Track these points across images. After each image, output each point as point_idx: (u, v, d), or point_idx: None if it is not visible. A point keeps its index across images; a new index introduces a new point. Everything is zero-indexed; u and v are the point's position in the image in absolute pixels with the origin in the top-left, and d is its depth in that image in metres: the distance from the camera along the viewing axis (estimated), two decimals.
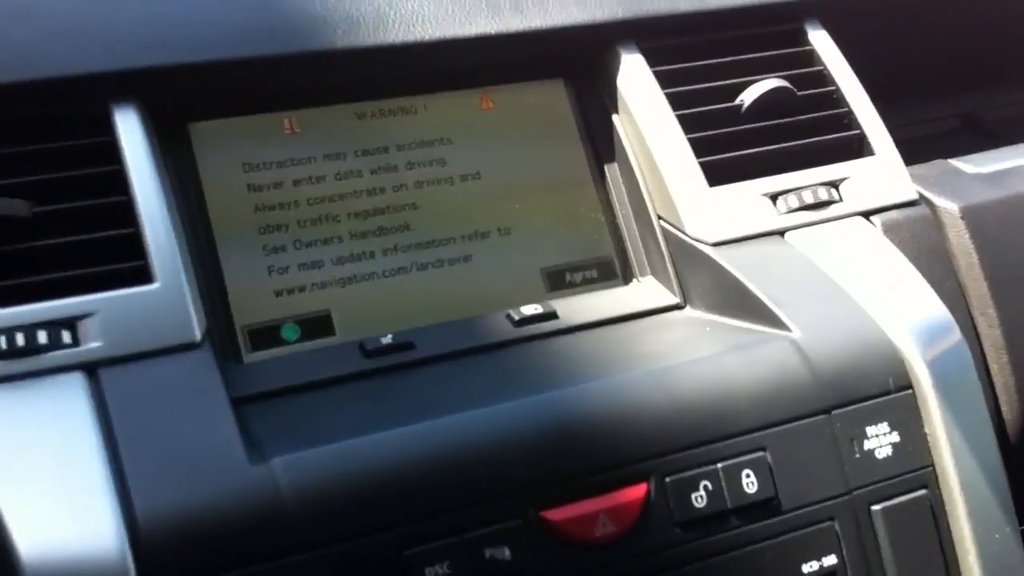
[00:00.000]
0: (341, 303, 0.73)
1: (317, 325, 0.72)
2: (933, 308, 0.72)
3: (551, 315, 0.74)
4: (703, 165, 0.78)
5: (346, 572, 0.55)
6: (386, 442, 0.58)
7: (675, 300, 0.77)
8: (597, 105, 0.83)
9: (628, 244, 0.80)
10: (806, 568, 0.62)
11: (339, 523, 0.56)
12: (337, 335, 0.72)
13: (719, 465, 0.62)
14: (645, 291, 0.78)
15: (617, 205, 0.81)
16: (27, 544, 0.53)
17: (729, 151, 0.80)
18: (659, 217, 0.79)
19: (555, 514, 0.58)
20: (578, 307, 0.76)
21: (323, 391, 0.68)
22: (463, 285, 0.76)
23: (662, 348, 0.70)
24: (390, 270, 0.75)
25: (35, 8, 0.69)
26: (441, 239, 0.77)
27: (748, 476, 0.62)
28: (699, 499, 0.61)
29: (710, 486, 0.61)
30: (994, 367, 0.76)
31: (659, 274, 0.79)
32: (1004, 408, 0.76)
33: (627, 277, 0.80)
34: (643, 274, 0.80)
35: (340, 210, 0.75)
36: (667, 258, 0.78)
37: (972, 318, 0.77)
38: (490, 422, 0.60)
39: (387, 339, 0.71)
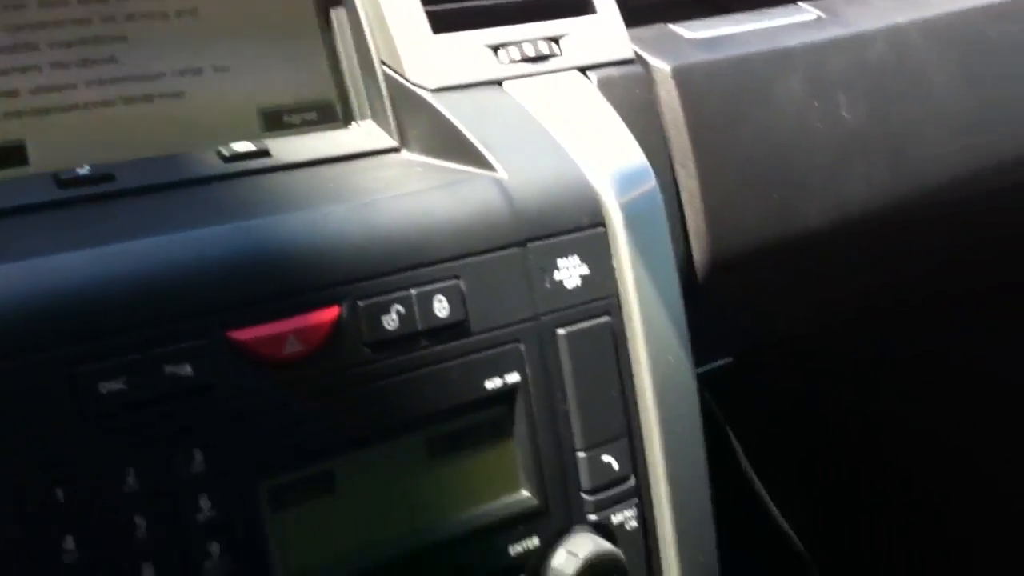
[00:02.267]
0: (37, 134, 0.70)
1: (9, 155, 0.68)
2: (633, 157, 0.76)
3: (263, 152, 0.73)
4: (428, 13, 0.79)
5: (15, 387, 0.54)
6: (68, 261, 0.57)
7: (392, 143, 0.78)
8: None
9: (350, 87, 0.80)
10: (489, 384, 0.65)
11: (11, 339, 0.54)
12: (32, 166, 0.69)
13: (413, 291, 0.64)
14: (363, 134, 0.79)
15: (342, 49, 0.81)
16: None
17: (455, 1, 0.80)
18: (382, 62, 0.79)
19: (241, 334, 0.59)
20: (294, 147, 0.75)
21: (9, 220, 0.65)
22: (172, 121, 0.74)
23: (373, 185, 0.71)
24: (93, 103, 0.72)
25: None
26: (151, 74, 0.74)
27: (440, 301, 0.65)
28: (390, 322, 0.63)
29: (402, 310, 0.63)
30: (688, 213, 0.81)
31: (379, 118, 0.79)
32: (695, 251, 0.81)
33: (347, 120, 0.80)
34: (363, 118, 0.80)
35: (40, 39, 0.71)
36: (387, 102, 0.78)
37: (673, 170, 0.82)
38: (181, 245, 0.60)
39: (84, 170, 0.68)
